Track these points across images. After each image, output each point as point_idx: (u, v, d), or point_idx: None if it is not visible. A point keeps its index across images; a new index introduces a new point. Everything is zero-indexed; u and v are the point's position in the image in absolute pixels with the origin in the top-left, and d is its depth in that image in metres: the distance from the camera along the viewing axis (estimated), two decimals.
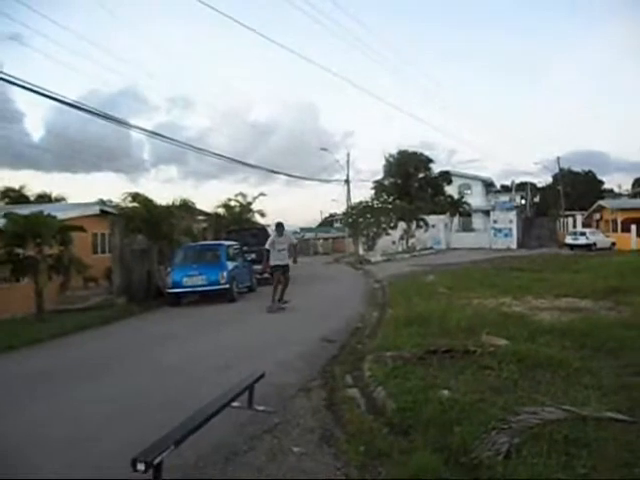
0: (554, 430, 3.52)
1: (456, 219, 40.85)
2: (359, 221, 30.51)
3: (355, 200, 34.49)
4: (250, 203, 24.56)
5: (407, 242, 34.16)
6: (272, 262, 11.37)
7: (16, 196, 33.73)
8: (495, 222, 37.64)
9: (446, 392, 4.43)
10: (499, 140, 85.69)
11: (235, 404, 4.31)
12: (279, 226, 11.90)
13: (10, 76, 10.95)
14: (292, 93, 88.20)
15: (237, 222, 22.15)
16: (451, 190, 40.80)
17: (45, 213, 12.29)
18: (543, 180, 61.40)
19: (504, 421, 3.71)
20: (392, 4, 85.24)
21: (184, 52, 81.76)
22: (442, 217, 38.01)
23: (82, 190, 77.17)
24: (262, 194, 25.07)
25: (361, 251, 30.61)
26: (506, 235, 36.72)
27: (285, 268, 11.51)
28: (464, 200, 40.58)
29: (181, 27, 75.69)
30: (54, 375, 6.62)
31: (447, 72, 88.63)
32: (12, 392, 5.94)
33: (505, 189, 58.27)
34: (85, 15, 64.28)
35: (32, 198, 33.79)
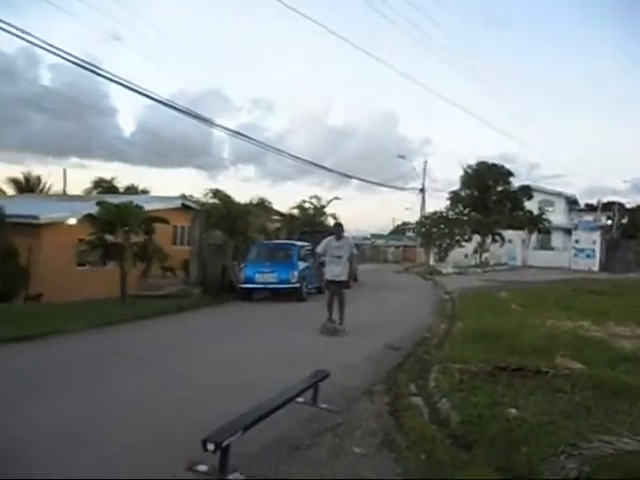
0: (629, 462, 3.35)
1: (534, 236, 39.17)
2: (432, 231, 30.05)
3: (429, 210, 34.01)
4: (324, 206, 24.90)
5: (480, 256, 33.20)
6: (327, 276, 9.07)
7: (107, 187, 36.01)
8: (577, 242, 35.67)
9: (514, 411, 4.31)
10: (586, 156, 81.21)
11: (300, 400, 4.47)
12: (337, 227, 9.55)
13: (109, 73, 11.77)
14: (371, 98, 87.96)
15: (310, 224, 22.51)
16: (531, 205, 39.13)
17: (133, 204, 13.12)
18: (632, 201, 57.57)
19: (575, 447, 3.57)
20: (479, 13, 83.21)
21: (266, 54, 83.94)
22: (520, 233, 36.58)
23: (165, 184, 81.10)
24: (336, 198, 25.37)
25: (432, 262, 30.13)
26: (588, 256, 34.74)
27: (341, 285, 8.90)
28: (544, 217, 38.83)
29: (264, 28, 77.66)
30: (132, 354, 7.11)
31: (531, 82, 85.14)
32: (97, 366, 6.42)
33: (590, 208, 55.06)
34: (173, 16, 67.42)
35: (121, 189, 35.95)
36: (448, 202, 38.38)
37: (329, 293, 9.07)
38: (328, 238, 9.15)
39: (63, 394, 5.15)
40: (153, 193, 33.74)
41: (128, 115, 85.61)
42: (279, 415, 3.96)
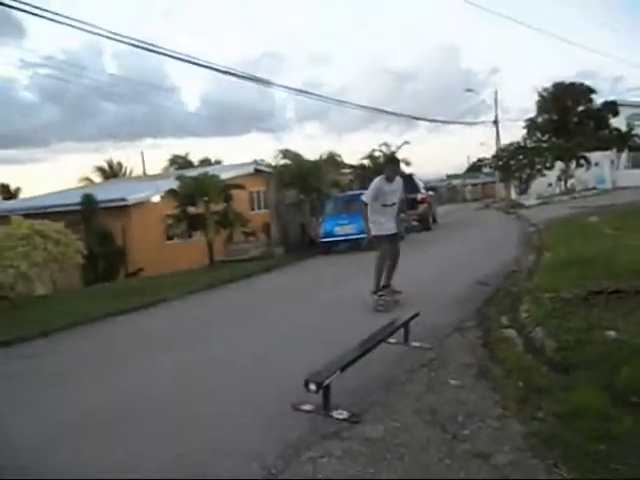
0: None
1: (624, 155, 36.28)
2: (510, 163, 28.71)
3: (505, 142, 32.39)
4: (394, 152, 24.44)
5: (565, 183, 31.44)
6: (375, 230, 6.76)
7: (182, 162, 37.46)
8: None
9: (613, 333, 4.21)
10: None
11: (392, 340, 4.60)
12: (392, 163, 7.56)
13: (169, 50, 12.03)
14: (431, 34, 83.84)
15: (382, 172, 22.26)
16: (618, 122, 36.11)
17: (209, 174, 13.63)
18: None
19: None
20: None
21: (315, 7, 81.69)
22: (607, 153, 34.05)
23: (235, 152, 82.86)
24: (406, 142, 24.71)
25: (513, 195, 28.98)
26: None
27: (394, 238, 6.89)
28: (634, 132, 35.80)
29: None
30: (228, 312, 7.62)
31: None
32: (202, 323, 7.06)
33: None
34: None
35: (196, 163, 37.25)
36: (524, 131, 36.49)
37: (380, 253, 6.72)
38: (377, 180, 6.85)
39: (189, 345, 5.81)
40: (225, 162, 34.67)
41: (192, 90, 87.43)
42: (373, 355, 4.13)
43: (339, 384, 3.58)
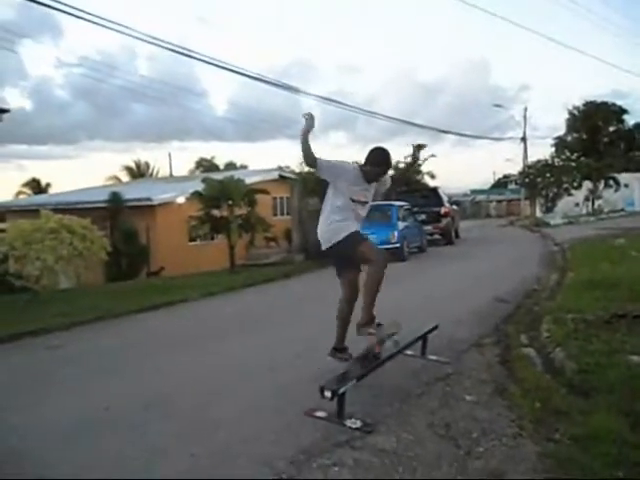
0: None
1: None
2: (537, 181, 28.39)
3: (532, 159, 32.06)
4: (419, 165, 24.42)
5: (593, 204, 30.94)
6: (329, 235, 4.05)
7: (208, 165, 37.97)
8: None
9: (635, 358, 4.13)
10: None
11: (409, 352, 4.59)
12: (376, 153, 4.12)
13: (201, 54, 12.24)
14: (461, 48, 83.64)
15: (407, 184, 22.24)
16: None
17: (235, 178, 13.77)
18: None
19: None
20: None
21: (347, 17, 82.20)
22: (637, 175, 33.49)
23: (260, 157, 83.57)
24: (432, 155, 24.67)
25: (538, 213, 28.60)
26: None
27: (349, 242, 3.98)
28: None
29: None
30: (247, 316, 7.66)
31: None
32: (221, 325, 7.18)
33: None
34: None
35: (221, 167, 37.68)
36: (553, 149, 36.07)
37: (343, 280, 4.27)
38: (351, 165, 4.21)
39: (207, 346, 5.83)
40: (251, 167, 34.99)
41: (220, 94, 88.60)
42: (389, 366, 4.12)
43: (354, 393, 3.58)
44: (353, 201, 4.06)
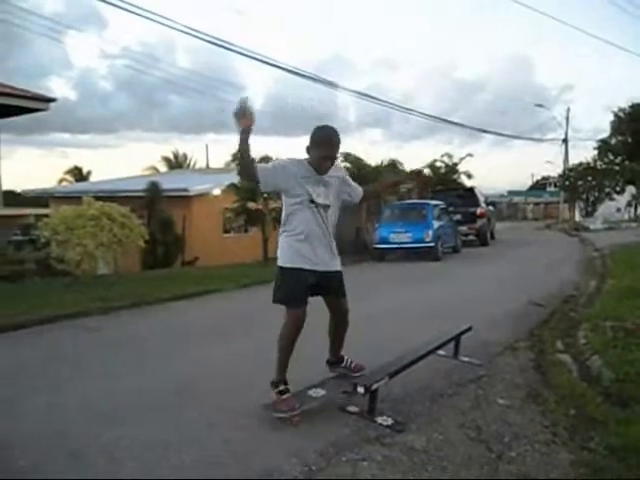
0: None
1: None
2: (578, 184, 27.68)
3: (573, 162, 31.24)
4: (456, 164, 24.09)
5: (636, 209, 29.97)
6: (290, 258, 3.64)
7: None
8: None
9: None
10: None
11: (441, 352, 4.56)
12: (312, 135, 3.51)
13: (239, 47, 12.36)
14: (503, 46, 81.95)
15: (442, 183, 21.99)
16: None
17: None
18: None
19: None
20: None
21: (385, 12, 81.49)
22: None
23: (294, 152, 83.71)
24: (469, 155, 24.33)
25: (577, 217, 27.88)
26: None
27: (331, 282, 3.90)
28: None
29: None
30: (277, 308, 7.67)
31: None
32: (251, 316, 7.19)
33: None
34: None
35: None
36: (595, 152, 35.05)
37: (287, 321, 3.86)
38: (291, 160, 3.64)
39: (238, 337, 5.84)
40: None
41: (256, 88, 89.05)
42: (421, 365, 4.10)
43: (385, 390, 3.58)
44: (313, 203, 3.45)
